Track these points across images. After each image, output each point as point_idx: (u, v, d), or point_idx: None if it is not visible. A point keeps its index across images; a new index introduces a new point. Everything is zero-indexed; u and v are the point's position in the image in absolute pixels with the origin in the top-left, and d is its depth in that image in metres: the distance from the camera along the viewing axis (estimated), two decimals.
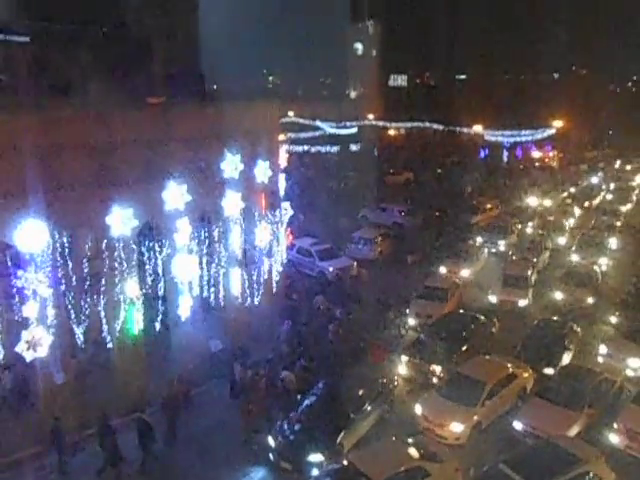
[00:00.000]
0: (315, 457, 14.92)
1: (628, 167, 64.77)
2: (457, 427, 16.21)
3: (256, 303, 21.95)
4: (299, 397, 17.03)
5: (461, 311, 23.49)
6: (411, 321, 23.67)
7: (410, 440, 14.90)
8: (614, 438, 15.84)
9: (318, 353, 19.81)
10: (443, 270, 28.78)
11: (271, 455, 15.46)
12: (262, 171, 21.33)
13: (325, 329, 21.62)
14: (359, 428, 16.30)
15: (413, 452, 14.11)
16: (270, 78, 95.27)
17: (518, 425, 16.34)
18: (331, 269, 28.78)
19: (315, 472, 14.66)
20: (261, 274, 22.18)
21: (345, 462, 13.98)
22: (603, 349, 19.94)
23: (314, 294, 25.10)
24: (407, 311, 24.02)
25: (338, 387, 17.16)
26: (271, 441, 15.60)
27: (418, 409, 17.10)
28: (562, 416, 16.11)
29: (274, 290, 22.97)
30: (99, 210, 16.22)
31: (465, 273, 28.69)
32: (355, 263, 29.65)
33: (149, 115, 18.81)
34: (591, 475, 13.29)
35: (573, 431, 15.75)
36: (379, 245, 33.21)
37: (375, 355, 19.88)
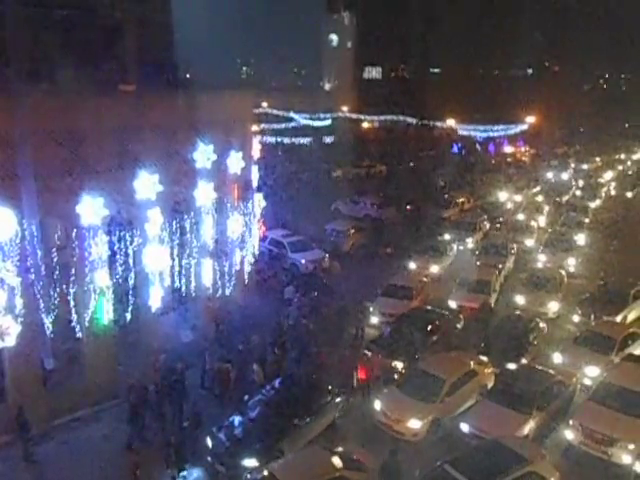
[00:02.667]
0: (250, 462, 14.37)
1: (597, 164, 66.13)
2: (415, 423, 16.14)
3: (228, 294, 21.95)
4: (246, 397, 16.61)
5: (428, 307, 23.31)
6: (374, 319, 23.58)
7: (338, 449, 14.53)
8: (569, 434, 16.03)
9: (289, 345, 19.85)
10: (412, 267, 28.75)
11: (208, 456, 14.98)
12: (235, 162, 21.24)
13: (296, 321, 21.71)
14: (306, 434, 15.83)
15: (336, 462, 13.72)
16: (244, 68, 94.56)
17: (465, 427, 16.13)
18: (303, 261, 28.85)
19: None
20: (233, 265, 22.15)
21: (265, 472, 13.46)
22: (557, 357, 19.75)
23: (285, 285, 25.18)
24: (371, 309, 23.92)
25: (292, 387, 16.81)
26: (209, 441, 15.21)
27: (377, 404, 16.97)
28: (509, 419, 15.94)
29: (246, 281, 22.98)
30: (69, 199, 15.99)
31: (434, 270, 28.57)
32: (327, 255, 29.76)
33: (121, 102, 18.56)
34: (535, 475, 13.31)
35: (521, 433, 15.60)
36: (352, 238, 33.37)
37: (363, 372, 18.51)
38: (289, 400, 16.11)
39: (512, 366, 18.75)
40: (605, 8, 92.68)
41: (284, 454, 14.77)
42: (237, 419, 15.64)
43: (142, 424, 16.01)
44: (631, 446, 15.08)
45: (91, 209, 16.32)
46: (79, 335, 16.96)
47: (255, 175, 23.18)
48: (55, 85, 19.26)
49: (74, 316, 16.64)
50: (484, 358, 19.23)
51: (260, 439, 14.86)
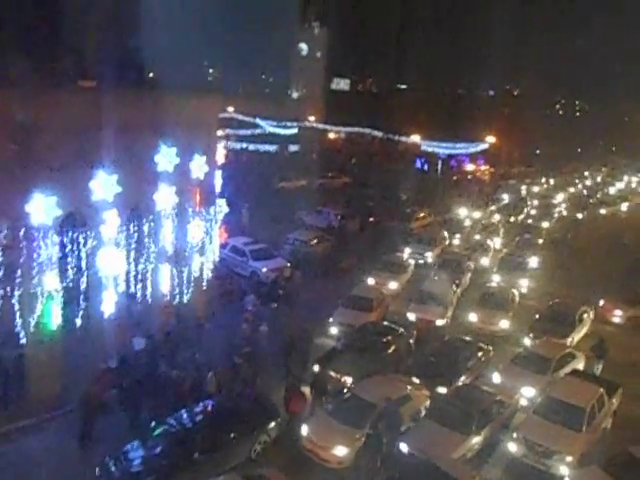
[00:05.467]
0: None
1: (550, 185, 67.90)
2: (341, 450, 15.32)
3: (185, 301, 21.33)
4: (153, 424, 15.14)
5: (385, 323, 23.10)
6: (333, 330, 23.25)
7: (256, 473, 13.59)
8: (513, 448, 16.22)
9: (246, 354, 19.29)
10: (371, 281, 28.59)
11: None
12: (198, 166, 20.72)
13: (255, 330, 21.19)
14: (210, 470, 14.26)
15: None
16: (210, 71, 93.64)
17: (404, 447, 15.69)
18: (264, 270, 28.36)
19: None
20: (192, 271, 21.57)
21: None
22: (496, 376, 19.73)
23: (245, 294, 24.65)
24: (330, 320, 23.63)
25: (211, 416, 15.51)
26: (111, 465, 13.89)
27: (304, 430, 16.05)
28: (448, 438, 15.80)
29: (204, 288, 22.40)
30: (17, 196, 15.20)
31: (392, 286, 28.37)
32: (289, 264, 29.35)
33: (79, 98, 17.85)
34: None
35: (459, 453, 15.53)
36: (314, 247, 33.07)
37: (293, 404, 16.96)
38: (199, 431, 14.70)
39: (443, 390, 18.49)
40: (562, 38, 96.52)
41: None
42: (135, 448, 14.34)
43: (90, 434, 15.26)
44: (568, 458, 15.48)
45: (42, 208, 15.57)
46: (23, 341, 16.11)
47: (218, 181, 22.67)
48: (6, 78, 18.40)
49: (19, 320, 15.80)
50: (417, 381, 18.64)
51: (161, 469, 13.55)
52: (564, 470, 15.32)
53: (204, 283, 22.34)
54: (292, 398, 16.85)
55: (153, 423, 15.15)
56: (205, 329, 20.98)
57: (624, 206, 57.35)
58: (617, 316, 26.36)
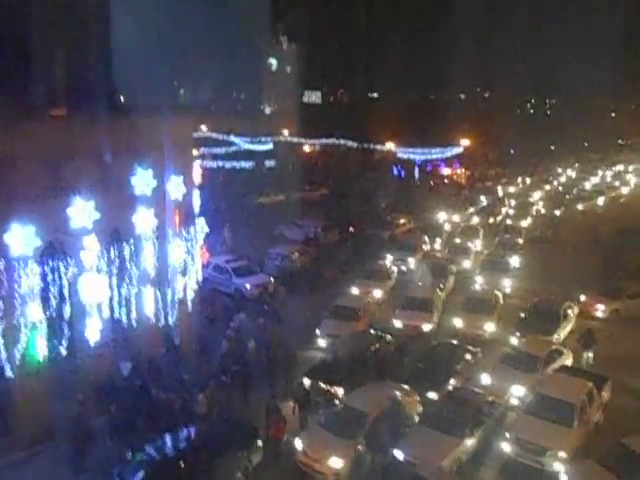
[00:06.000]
0: None
1: (527, 183, 68.67)
2: (336, 462, 15.29)
3: (170, 323, 21.15)
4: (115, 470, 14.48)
5: (371, 331, 23.14)
6: (321, 342, 23.28)
7: None
8: (506, 447, 16.35)
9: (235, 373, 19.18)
10: (355, 291, 28.61)
11: None
12: (175, 187, 20.64)
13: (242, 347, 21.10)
14: None
15: None
16: (182, 91, 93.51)
17: (399, 454, 15.64)
18: (248, 286, 28.29)
19: None
20: (175, 293, 21.41)
21: None
22: (486, 377, 19.89)
23: (231, 311, 24.53)
24: (317, 332, 23.64)
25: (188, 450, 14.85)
26: None
27: (298, 443, 16.08)
28: (443, 443, 15.84)
29: (189, 309, 22.24)
30: None
31: (377, 294, 28.41)
32: (272, 279, 29.29)
33: (51, 127, 17.70)
34: None
35: (454, 457, 15.59)
36: (296, 261, 33.06)
37: (274, 429, 16.61)
38: (178, 460, 14.28)
39: (434, 395, 18.57)
40: (529, 40, 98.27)
41: None
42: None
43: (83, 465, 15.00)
44: (561, 454, 15.64)
45: (21, 239, 15.40)
46: (9, 374, 15.84)
47: (197, 200, 22.60)
48: None
49: (3, 353, 15.55)
50: (408, 387, 18.66)
51: None
52: (558, 466, 15.44)
53: (189, 304, 22.18)
54: (273, 423, 16.59)
55: (131, 452, 14.81)
56: (192, 350, 20.85)
57: (600, 200, 58.18)
58: (600, 310, 26.75)
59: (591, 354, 21.57)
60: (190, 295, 22.23)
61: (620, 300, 26.84)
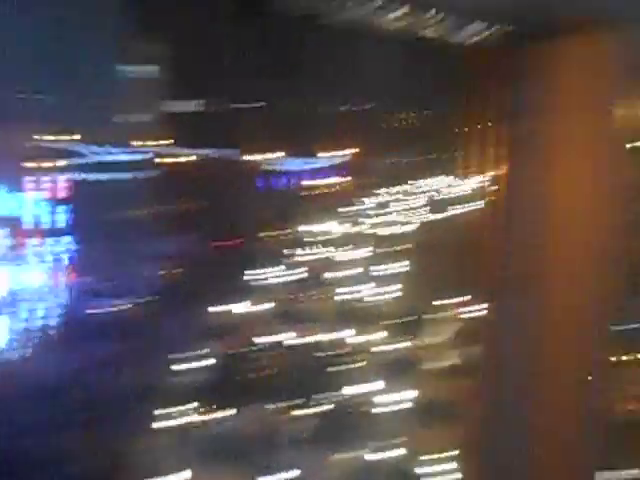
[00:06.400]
0: None
1: (409, 191, 71.14)
2: None
3: (26, 355, 19.23)
4: None
5: (252, 347, 23.11)
6: (196, 364, 22.60)
7: None
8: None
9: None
10: (224, 308, 27.87)
11: None
12: (19, 204, 18.90)
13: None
14: None
15: None
16: (35, 99, 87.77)
17: None
18: (111, 309, 26.64)
19: None
20: (32, 320, 19.54)
21: None
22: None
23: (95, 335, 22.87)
24: (191, 353, 22.97)
25: None
26: None
27: None
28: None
29: (49, 336, 20.42)
30: None
31: (254, 308, 27.43)
32: (142, 299, 27.76)
33: None
34: None
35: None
36: (167, 279, 31.66)
37: None
38: None
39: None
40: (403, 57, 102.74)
41: None
42: None
43: None
44: None
45: None
46: None
47: (50, 217, 20.88)
48: None
49: None
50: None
51: None
52: None
53: (49, 331, 20.40)
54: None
55: None
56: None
57: (478, 204, 60.98)
58: (471, 311, 27.66)
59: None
60: (50, 321, 20.45)
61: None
